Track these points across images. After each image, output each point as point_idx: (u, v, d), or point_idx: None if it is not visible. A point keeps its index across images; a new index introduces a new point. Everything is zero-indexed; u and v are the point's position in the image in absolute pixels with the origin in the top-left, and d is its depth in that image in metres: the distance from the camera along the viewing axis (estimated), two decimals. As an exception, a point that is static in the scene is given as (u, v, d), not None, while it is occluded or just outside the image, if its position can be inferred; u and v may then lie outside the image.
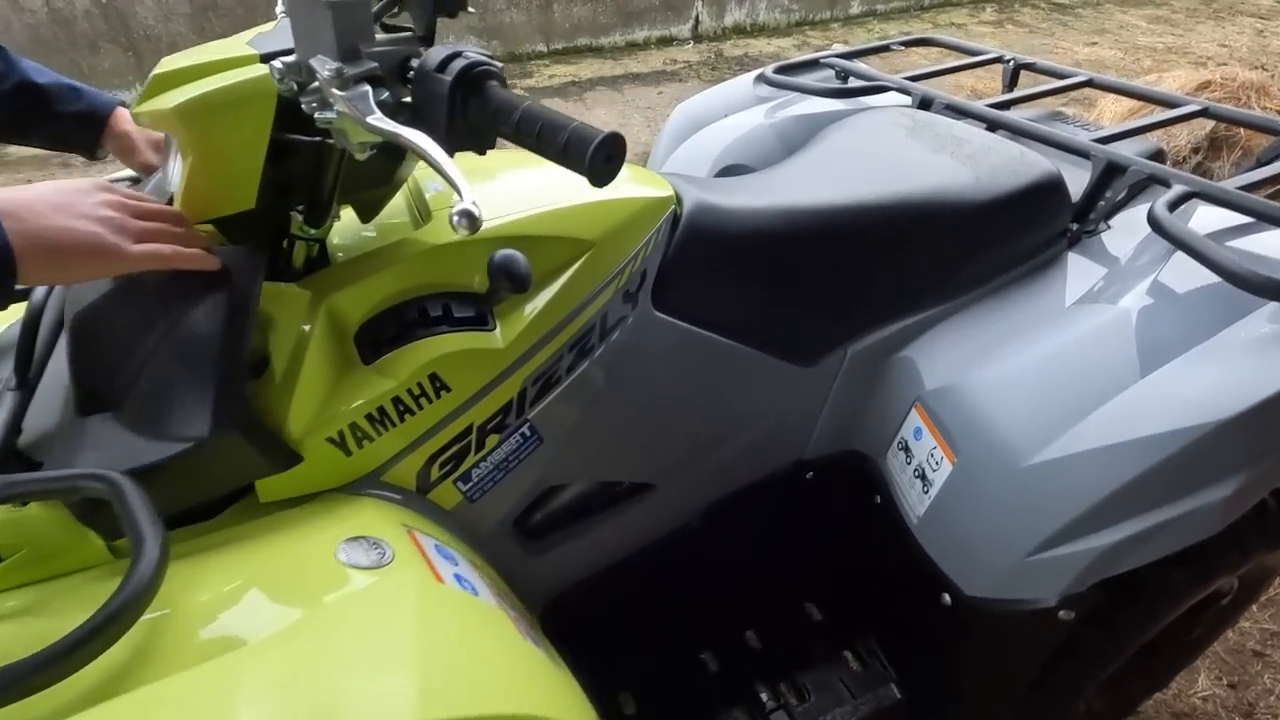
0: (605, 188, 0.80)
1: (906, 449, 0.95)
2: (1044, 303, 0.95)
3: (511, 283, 0.65)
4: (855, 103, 1.41)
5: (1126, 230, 1.02)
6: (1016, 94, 1.33)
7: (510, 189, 0.81)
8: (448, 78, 0.49)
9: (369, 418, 0.65)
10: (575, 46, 4.83)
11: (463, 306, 0.71)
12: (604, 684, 0.96)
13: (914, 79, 1.40)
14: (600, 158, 0.47)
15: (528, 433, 0.76)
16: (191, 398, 0.58)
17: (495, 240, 0.71)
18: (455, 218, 0.47)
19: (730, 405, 0.94)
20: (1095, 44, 5.11)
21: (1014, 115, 1.19)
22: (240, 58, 0.58)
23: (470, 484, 0.74)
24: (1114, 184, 1.04)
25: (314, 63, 0.49)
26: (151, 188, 0.67)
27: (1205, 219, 0.93)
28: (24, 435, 0.60)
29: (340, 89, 0.48)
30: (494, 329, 0.71)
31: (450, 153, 0.52)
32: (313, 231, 0.68)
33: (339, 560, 0.53)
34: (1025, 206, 0.98)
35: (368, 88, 0.49)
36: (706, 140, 1.43)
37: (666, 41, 5.05)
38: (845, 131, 1.16)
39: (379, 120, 0.48)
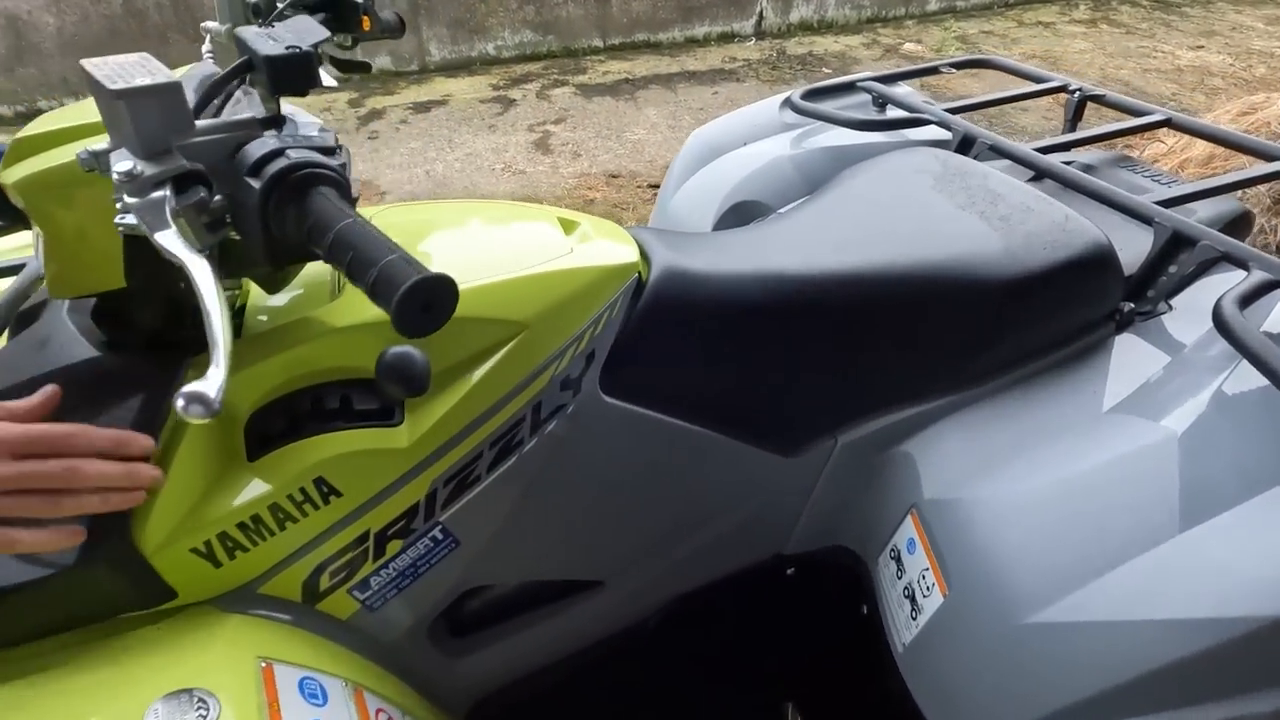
0: (567, 253, 0.71)
1: (899, 560, 0.82)
2: (1077, 404, 0.80)
3: (405, 386, 0.56)
4: (896, 134, 1.26)
5: (1190, 314, 0.85)
6: (1077, 134, 1.15)
7: (452, 252, 0.72)
8: (258, 183, 0.40)
9: (241, 526, 0.58)
10: (632, 42, 4.71)
11: (365, 398, 0.62)
12: None
13: (959, 109, 1.24)
14: (412, 305, 0.37)
15: (439, 536, 0.67)
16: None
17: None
18: (180, 401, 0.38)
19: (695, 497, 0.83)
20: (1201, 47, 4.65)
21: (1065, 163, 1.03)
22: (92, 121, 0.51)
23: (369, 592, 0.66)
24: (1180, 258, 0.88)
25: (113, 157, 0.40)
26: (28, 268, 0.61)
27: None
28: None
29: (133, 194, 0.39)
30: (399, 423, 0.62)
31: (278, 265, 0.43)
32: None
33: None
34: (1064, 284, 0.83)
35: (165, 194, 0.40)
36: (721, 171, 1.31)
37: (728, 38, 4.88)
38: (863, 177, 1.02)
39: (166, 239, 0.39)
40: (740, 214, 1.23)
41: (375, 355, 0.62)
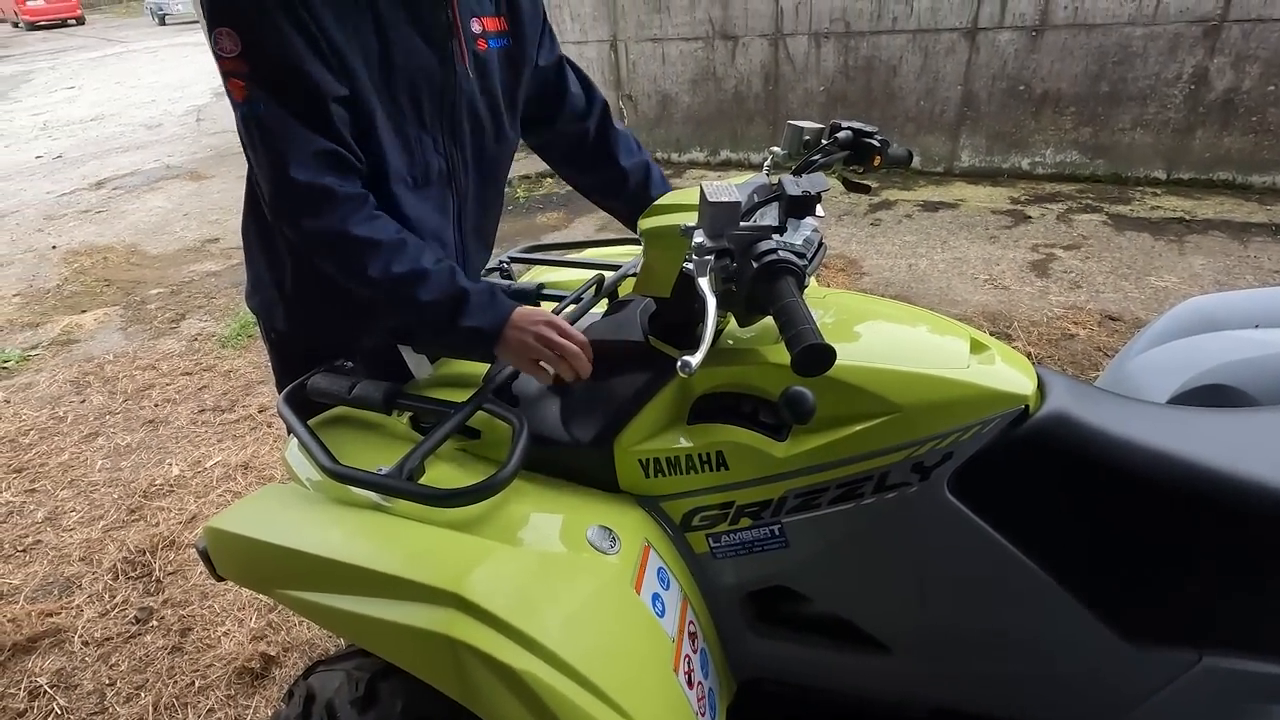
0: (963, 367, 0.86)
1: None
2: None
3: (794, 415, 0.79)
4: None
5: None
6: None
7: (868, 337, 0.93)
8: (754, 264, 0.68)
9: (667, 460, 0.90)
10: (1208, 179, 4.04)
11: (769, 413, 0.88)
12: None
13: None
14: (805, 357, 0.60)
15: (776, 532, 0.89)
16: (589, 419, 0.93)
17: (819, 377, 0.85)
18: (679, 362, 0.66)
19: (1004, 624, 0.86)
20: None
21: None
22: (695, 205, 0.88)
23: (718, 544, 0.92)
24: None
25: (695, 233, 0.73)
26: (624, 269, 1.04)
27: None
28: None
29: (696, 255, 0.72)
30: (783, 440, 0.86)
31: (743, 322, 0.70)
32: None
33: (585, 534, 0.80)
34: None
35: (710, 259, 0.71)
36: (1207, 347, 1.19)
37: (1365, 193, 3.76)
38: None
39: (702, 281, 0.70)
40: (1208, 397, 1.11)
41: (782, 387, 0.88)
